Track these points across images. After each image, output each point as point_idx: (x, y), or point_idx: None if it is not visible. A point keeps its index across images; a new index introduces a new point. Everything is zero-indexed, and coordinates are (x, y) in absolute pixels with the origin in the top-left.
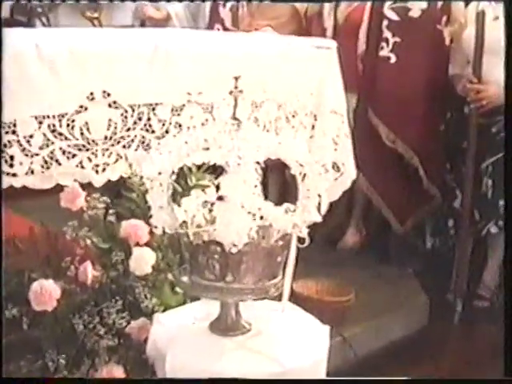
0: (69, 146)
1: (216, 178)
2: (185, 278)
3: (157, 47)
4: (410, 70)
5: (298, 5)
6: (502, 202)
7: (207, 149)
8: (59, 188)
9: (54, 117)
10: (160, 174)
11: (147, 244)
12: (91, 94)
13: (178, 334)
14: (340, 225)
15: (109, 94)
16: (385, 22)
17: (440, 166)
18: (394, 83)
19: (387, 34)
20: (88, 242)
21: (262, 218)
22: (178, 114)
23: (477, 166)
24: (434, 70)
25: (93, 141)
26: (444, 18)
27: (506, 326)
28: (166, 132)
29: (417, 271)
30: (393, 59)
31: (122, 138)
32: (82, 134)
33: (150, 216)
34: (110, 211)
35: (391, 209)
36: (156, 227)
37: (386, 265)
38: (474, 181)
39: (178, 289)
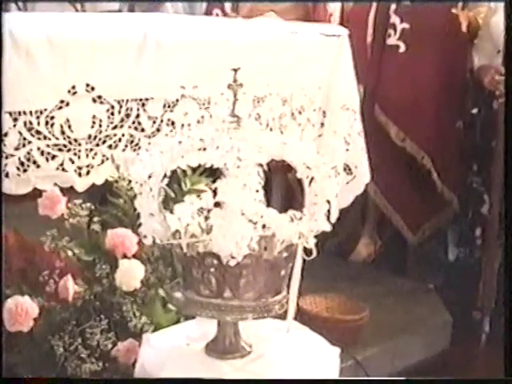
0: (48, 145)
1: (213, 182)
2: (178, 294)
3: (146, 35)
4: (420, 59)
5: None
6: None
7: (203, 149)
8: (37, 193)
9: (31, 113)
10: (150, 177)
11: (135, 256)
12: (73, 87)
13: (169, 356)
14: (352, 234)
15: (93, 88)
16: (392, 6)
17: (457, 168)
18: (402, 75)
19: (395, 19)
20: (69, 253)
21: (264, 226)
22: (171, 111)
23: (507, 167)
24: (449, 59)
25: (75, 140)
26: (461, 2)
27: (505, 326)
28: (158, 130)
29: (438, 286)
30: (401, 48)
31: (107, 137)
32: (62, 132)
33: (139, 224)
34: (95, 219)
35: (402, 216)
36: (145, 237)
37: (404, 279)
38: (503, 185)
39: (170, 306)
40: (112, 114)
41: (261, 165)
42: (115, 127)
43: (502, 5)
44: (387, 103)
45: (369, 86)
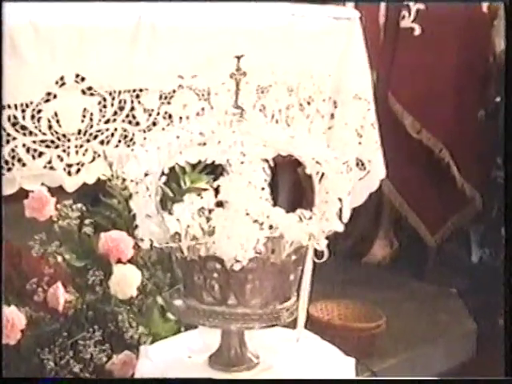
0: (34, 142)
1: (214, 180)
2: (178, 302)
3: (140, 20)
4: (437, 43)
5: None
6: None
7: (204, 144)
8: (23, 194)
9: (15, 107)
10: (146, 175)
11: (131, 261)
12: (61, 78)
13: (170, 370)
14: (366, 235)
15: (83, 79)
16: None
17: (479, 162)
18: (418, 60)
19: None
20: (59, 259)
21: (270, 227)
22: (168, 102)
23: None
24: (469, 43)
25: (64, 136)
26: None
27: (505, 325)
28: (154, 124)
29: (461, 291)
30: (416, 31)
31: (99, 131)
32: (50, 127)
33: (135, 227)
34: (86, 221)
35: (419, 215)
36: (142, 240)
37: (423, 283)
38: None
39: (169, 315)
40: (104, 106)
41: (266, 160)
42: (107, 121)
43: None
44: (402, 91)
45: (382, 72)
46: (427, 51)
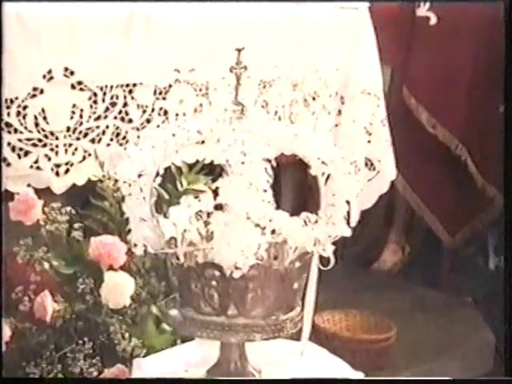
0: (20, 140)
1: (213, 181)
2: (173, 312)
3: (134, 10)
4: (455, 33)
5: None
6: None
7: (201, 143)
8: (8, 196)
9: None
10: (140, 176)
11: (124, 268)
12: (49, 72)
13: None
14: (376, 240)
15: (72, 73)
16: None
17: (500, 160)
18: (434, 51)
19: None
20: (46, 265)
21: (273, 232)
22: (163, 98)
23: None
24: (489, 32)
25: (51, 133)
26: None
27: (505, 325)
28: (148, 121)
29: (478, 299)
30: (433, 20)
31: (89, 129)
32: (37, 124)
33: (128, 231)
34: (76, 225)
35: (437, 215)
36: (136, 246)
37: (437, 291)
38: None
39: (164, 326)
40: (95, 102)
41: (269, 160)
42: (98, 118)
43: None
44: (417, 85)
45: (396, 64)
46: (443, 42)
